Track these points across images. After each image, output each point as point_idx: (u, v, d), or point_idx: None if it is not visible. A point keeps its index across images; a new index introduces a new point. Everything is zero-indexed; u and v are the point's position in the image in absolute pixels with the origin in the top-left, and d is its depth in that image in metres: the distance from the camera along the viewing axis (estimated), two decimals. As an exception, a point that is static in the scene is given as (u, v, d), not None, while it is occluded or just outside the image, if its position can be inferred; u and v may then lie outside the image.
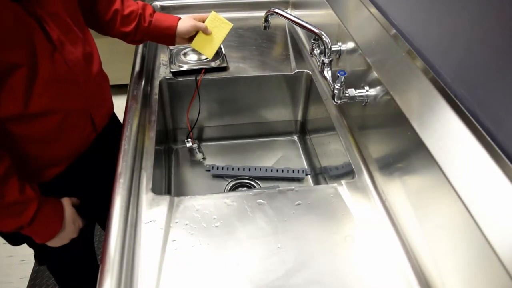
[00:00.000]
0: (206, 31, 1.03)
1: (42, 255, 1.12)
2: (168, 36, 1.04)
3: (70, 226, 0.87)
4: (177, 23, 1.03)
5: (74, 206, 0.89)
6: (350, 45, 0.97)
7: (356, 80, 0.92)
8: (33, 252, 1.67)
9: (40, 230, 0.82)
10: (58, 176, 0.89)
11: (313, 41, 1.09)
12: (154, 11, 1.05)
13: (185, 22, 1.03)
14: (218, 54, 1.25)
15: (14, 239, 0.97)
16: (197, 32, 1.05)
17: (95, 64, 0.90)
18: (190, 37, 1.05)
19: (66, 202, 0.87)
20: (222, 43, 1.05)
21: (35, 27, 0.72)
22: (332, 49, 0.99)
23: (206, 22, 1.04)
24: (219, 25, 1.04)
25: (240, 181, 1.20)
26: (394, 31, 0.82)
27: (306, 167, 1.25)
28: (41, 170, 0.86)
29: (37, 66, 0.73)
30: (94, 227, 1.19)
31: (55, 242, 0.86)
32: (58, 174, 0.89)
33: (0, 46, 0.67)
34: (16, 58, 0.70)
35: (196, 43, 1.05)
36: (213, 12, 1.04)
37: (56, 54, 0.77)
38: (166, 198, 0.81)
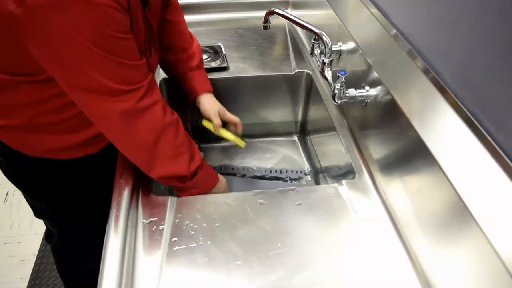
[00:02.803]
0: (216, 129, 1.06)
1: (52, 234, 1.16)
2: (189, 97, 1.08)
3: (220, 189, 0.92)
4: (201, 97, 1.05)
5: None
6: (351, 45, 0.97)
7: (357, 80, 0.92)
8: (33, 252, 1.68)
9: (201, 181, 0.87)
10: (102, 150, 0.93)
11: (313, 41, 1.09)
12: (201, 62, 1.07)
13: (208, 104, 1.05)
14: (218, 54, 1.26)
15: (37, 209, 1.04)
16: None
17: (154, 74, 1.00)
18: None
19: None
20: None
21: (144, 34, 0.81)
22: (333, 49, 0.99)
23: (221, 131, 1.06)
24: (234, 139, 1.08)
25: (241, 181, 1.20)
26: (394, 31, 0.82)
27: (307, 167, 1.25)
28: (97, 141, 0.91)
29: None
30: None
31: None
32: (101, 148, 0.93)
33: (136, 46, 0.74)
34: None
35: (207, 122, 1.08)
36: (234, 138, 1.08)
37: (149, 59, 0.86)
38: (167, 198, 0.81)
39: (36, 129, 0.83)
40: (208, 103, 1.05)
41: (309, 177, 1.21)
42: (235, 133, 1.09)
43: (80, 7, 0.61)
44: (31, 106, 0.79)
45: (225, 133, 1.07)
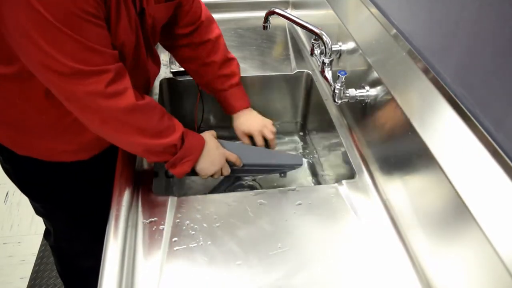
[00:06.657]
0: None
1: (49, 231, 1.16)
2: (225, 111, 1.08)
3: (214, 151, 0.89)
4: (239, 114, 1.06)
5: None
6: (351, 45, 0.97)
7: (357, 80, 0.92)
8: (33, 252, 1.68)
9: (190, 148, 0.84)
10: (95, 156, 0.94)
11: (313, 41, 1.09)
12: (239, 82, 1.07)
13: (247, 124, 1.06)
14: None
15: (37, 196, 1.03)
16: None
17: (152, 84, 0.99)
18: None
19: (207, 133, 0.91)
20: None
21: (142, 42, 0.83)
22: (333, 49, 0.99)
23: None
24: None
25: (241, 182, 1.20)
26: (394, 31, 0.82)
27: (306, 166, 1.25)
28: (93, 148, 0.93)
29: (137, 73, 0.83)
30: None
31: (205, 164, 0.87)
32: (94, 155, 0.93)
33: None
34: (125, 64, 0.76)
35: None
36: None
37: (146, 66, 0.88)
38: (167, 198, 0.81)
39: (21, 130, 0.83)
40: (246, 122, 1.07)
41: (308, 177, 1.21)
42: None
43: None
44: (12, 104, 0.79)
45: None
